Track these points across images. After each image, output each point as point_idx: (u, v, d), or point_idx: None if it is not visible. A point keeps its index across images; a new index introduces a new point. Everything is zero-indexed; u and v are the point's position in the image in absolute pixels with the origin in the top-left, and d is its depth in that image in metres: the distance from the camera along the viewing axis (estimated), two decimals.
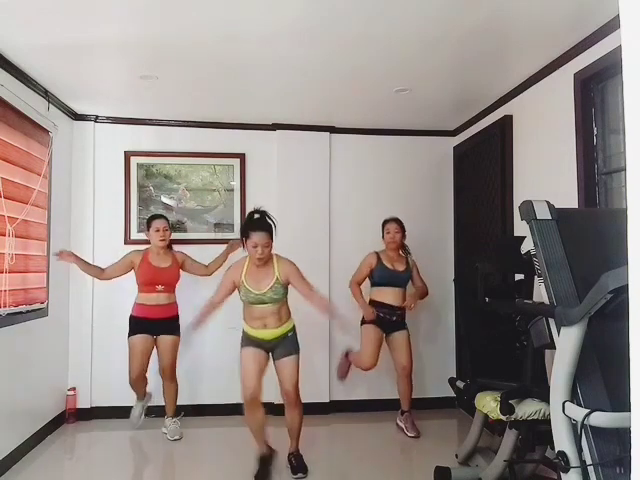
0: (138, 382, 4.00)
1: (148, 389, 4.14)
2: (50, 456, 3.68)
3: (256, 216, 3.25)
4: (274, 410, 3.76)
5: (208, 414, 4.46)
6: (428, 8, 2.64)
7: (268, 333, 3.22)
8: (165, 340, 3.96)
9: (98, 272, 3.97)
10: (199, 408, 4.48)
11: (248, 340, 3.27)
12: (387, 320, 4.09)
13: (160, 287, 3.93)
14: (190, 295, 4.06)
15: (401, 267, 4.13)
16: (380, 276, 4.11)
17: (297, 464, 3.33)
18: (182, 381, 4.18)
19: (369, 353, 4.06)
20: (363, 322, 4.13)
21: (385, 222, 4.20)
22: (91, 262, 4.43)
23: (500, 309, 2.86)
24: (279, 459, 3.32)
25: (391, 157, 4.94)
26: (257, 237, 3.13)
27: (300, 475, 3.27)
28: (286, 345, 3.26)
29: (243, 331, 3.31)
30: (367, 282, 4.22)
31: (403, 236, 4.16)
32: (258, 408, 3.22)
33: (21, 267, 3.59)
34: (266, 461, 3.23)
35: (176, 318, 4.02)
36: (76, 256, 3.90)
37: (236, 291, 3.27)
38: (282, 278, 3.21)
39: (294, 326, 3.34)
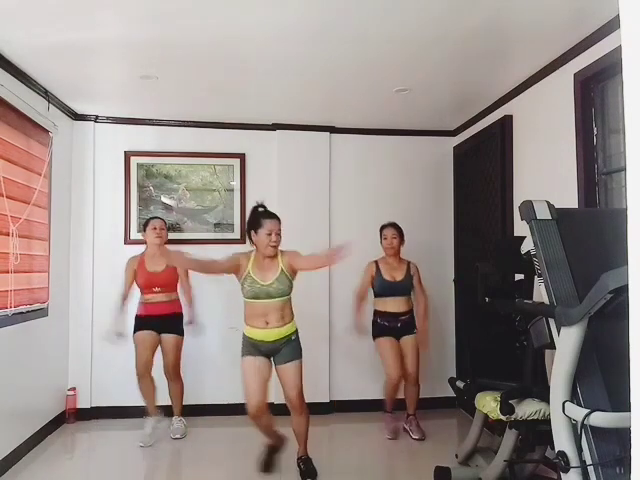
0: (144, 380, 3.96)
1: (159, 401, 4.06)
2: (50, 456, 3.69)
3: (260, 209, 3.26)
4: (274, 410, 3.75)
5: (209, 414, 4.46)
6: (428, 8, 2.64)
7: (270, 333, 3.12)
8: (168, 339, 4.00)
9: (124, 299, 4.00)
10: (201, 408, 4.47)
11: (248, 346, 3.17)
12: (393, 327, 4.04)
13: (157, 289, 3.98)
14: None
15: (400, 276, 4.06)
16: (379, 287, 4.07)
17: (305, 469, 3.30)
18: (185, 381, 4.18)
19: (390, 363, 3.99)
20: (374, 336, 4.10)
21: (382, 227, 4.15)
22: (90, 262, 4.45)
23: (500, 309, 2.86)
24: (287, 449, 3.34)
25: (391, 157, 4.93)
26: (271, 224, 3.14)
27: None
28: (288, 350, 3.17)
29: (243, 335, 3.21)
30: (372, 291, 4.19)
31: (402, 241, 4.10)
32: (263, 417, 3.19)
33: (25, 267, 3.60)
34: (274, 450, 3.30)
35: (179, 316, 4.05)
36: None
37: (231, 277, 3.20)
38: (287, 268, 3.17)
39: (297, 330, 3.25)
